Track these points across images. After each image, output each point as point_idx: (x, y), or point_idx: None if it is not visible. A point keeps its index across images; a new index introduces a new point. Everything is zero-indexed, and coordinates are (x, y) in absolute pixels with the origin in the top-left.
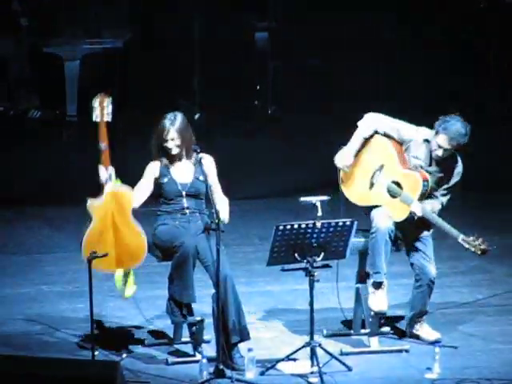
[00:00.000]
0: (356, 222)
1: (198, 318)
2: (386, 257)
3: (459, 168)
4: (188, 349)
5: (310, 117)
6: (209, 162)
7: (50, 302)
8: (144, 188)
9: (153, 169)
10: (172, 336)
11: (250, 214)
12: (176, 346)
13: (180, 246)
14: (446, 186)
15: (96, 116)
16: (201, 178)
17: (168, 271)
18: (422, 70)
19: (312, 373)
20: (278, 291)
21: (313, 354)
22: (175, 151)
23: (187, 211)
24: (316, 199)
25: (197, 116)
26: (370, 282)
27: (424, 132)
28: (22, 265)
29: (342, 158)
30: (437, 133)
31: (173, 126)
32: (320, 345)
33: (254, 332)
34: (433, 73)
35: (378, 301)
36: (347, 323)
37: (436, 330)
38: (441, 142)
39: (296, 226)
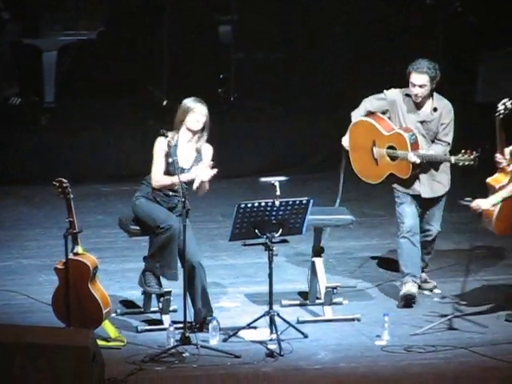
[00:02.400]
0: (312, 201)
1: (167, 290)
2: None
3: (446, 105)
4: (156, 317)
5: (269, 104)
6: (209, 152)
7: (29, 274)
8: (162, 169)
9: (163, 146)
10: (142, 306)
11: (213, 194)
12: (146, 315)
13: (168, 228)
14: (444, 126)
15: None
16: (199, 165)
17: (138, 247)
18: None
19: (271, 340)
20: (240, 264)
21: (272, 323)
22: (197, 127)
23: (170, 193)
24: (275, 179)
25: (165, 102)
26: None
27: (396, 90)
28: (3, 240)
29: (343, 140)
30: (409, 74)
31: (202, 105)
32: (278, 314)
33: (219, 302)
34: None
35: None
36: (303, 294)
37: (387, 301)
38: (413, 79)
39: (256, 204)
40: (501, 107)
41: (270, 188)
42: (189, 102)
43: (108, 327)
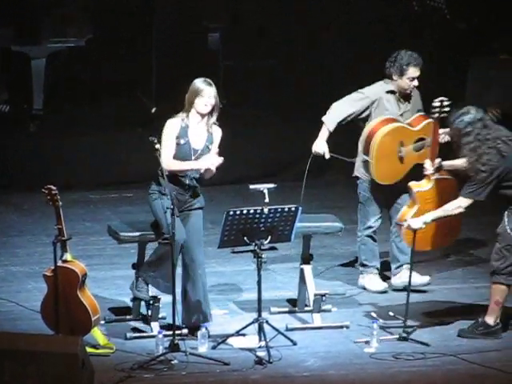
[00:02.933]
0: (300, 208)
1: (157, 297)
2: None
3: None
4: (146, 324)
5: (258, 111)
6: (218, 135)
7: (18, 281)
8: (172, 152)
9: (174, 128)
10: (132, 313)
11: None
12: (134, 323)
13: (171, 238)
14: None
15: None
16: (210, 146)
17: (127, 254)
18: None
19: (260, 347)
20: (229, 272)
21: (260, 330)
22: (205, 110)
23: (187, 181)
24: (264, 187)
25: (153, 110)
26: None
27: (376, 88)
28: None
29: (316, 146)
30: (402, 72)
31: (211, 87)
32: (267, 321)
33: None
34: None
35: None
36: (292, 301)
37: (376, 308)
38: (414, 73)
39: (245, 212)
40: (437, 104)
41: (259, 195)
42: (198, 83)
43: (97, 334)
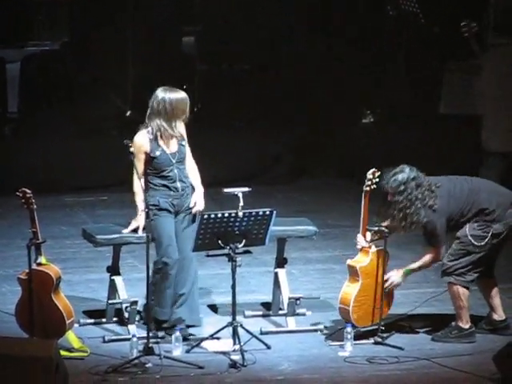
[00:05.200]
0: (275, 212)
1: (133, 299)
2: None
3: None
4: (121, 328)
5: (233, 116)
6: (183, 127)
7: None
8: (140, 171)
9: (142, 145)
10: (106, 316)
11: None
12: (109, 326)
13: (161, 268)
14: None
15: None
16: (183, 142)
17: (102, 257)
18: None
19: (234, 350)
20: (204, 275)
21: (235, 333)
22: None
23: (179, 185)
24: (238, 190)
25: (128, 113)
26: None
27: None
28: None
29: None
30: None
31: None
32: (241, 325)
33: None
34: (343, 73)
35: None
36: (266, 305)
37: None
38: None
39: (220, 215)
40: (370, 176)
41: (234, 199)
42: (162, 92)
43: (71, 338)
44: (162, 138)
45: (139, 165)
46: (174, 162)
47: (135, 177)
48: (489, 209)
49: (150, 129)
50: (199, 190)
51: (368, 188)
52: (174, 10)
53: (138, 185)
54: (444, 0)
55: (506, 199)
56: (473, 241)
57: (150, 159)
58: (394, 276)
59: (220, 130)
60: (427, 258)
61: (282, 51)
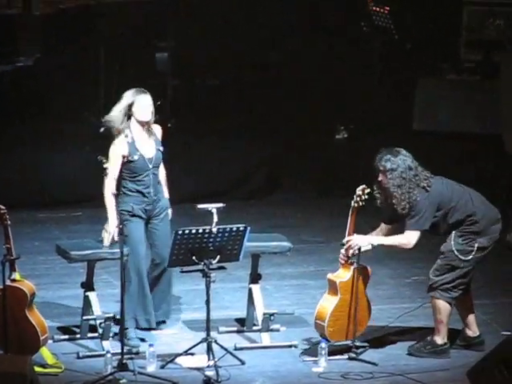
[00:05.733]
0: (249, 228)
1: (108, 315)
2: None
3: None
4: (95, 344)
5: (206, 130)
6: (160, 131)
7: None
8: (118, 174)
9: (120, 149)
10: (80, 332)
11: None
12: (83, 342)
13: (130, 281)
14: None
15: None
16: (161, 148)
17: (76, 273)
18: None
19: (208, 366)
20: (178, 291)
21: (209, 349)
22: (147, 117)
23: (152, 190)
24: (212, 206)
25: (102, 129)
26: None
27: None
28: None
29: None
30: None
31: (148, 95)
32: (216, 340)
33: (155, 329)
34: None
35: None
36: (240, 321)
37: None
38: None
39: (194, 231)
40: (359, 193)
41: (208, 215)
42: (130, 94)
43: (45, 354)
44: (140, 143)
45: (114, 169)
46: (150, 167)
47: (107, 186)
48: (473, 218)
49: (127, 133)
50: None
51: (356, 204)
52: (146, 25)
53: (110, 194)
54: (417, 16)
55: (492, 214)
56: (459, 255)
57: (126, 163)
58: (359, 238)
59: (193, 145)
60: (401, 238)
61: (256, 64)
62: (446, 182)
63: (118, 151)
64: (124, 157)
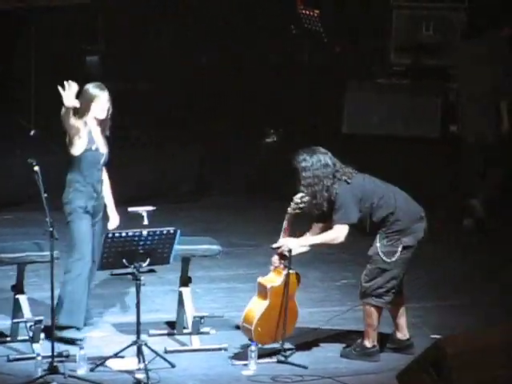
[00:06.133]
0: (179, 231)
1: (38, 318)
2: None
3: None
4: (26, 346)
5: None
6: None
7: None
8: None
9: (81, 130)
10: (10, 335)
11: None
12: (14, 344)
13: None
14: None
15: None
16: (107, 152)
17: (5, 276)
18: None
19: (139, 369)
20: (108, 294)
21: (139, 352)
22: (104, 115)
23: (99, 187)
24: (142, 209)
25: (32, 132)
26: None
27: None
28: None
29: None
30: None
31: (106, 91)
32: (146, 343)
33: (86, 332)
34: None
35: None
36: (170, 324)
37: None
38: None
39: (124, 234)
40: (298, 200)
41: (138, 218)
42: (93, 89)
43: None
44: (95, 136)
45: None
46: (101, 162)
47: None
48: (395, 216)
49: (86, 121)
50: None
51: (292, 211)
52: (76, 29)
53: None
54: (346, 20)
55: (415, 212)
56: (384, 258)
57: (84, 152)
58: (290, 241)
59: (124, 147)
60: (330, 233)
61: (186, 69)
62: (368, 178)
63: (78, 130)
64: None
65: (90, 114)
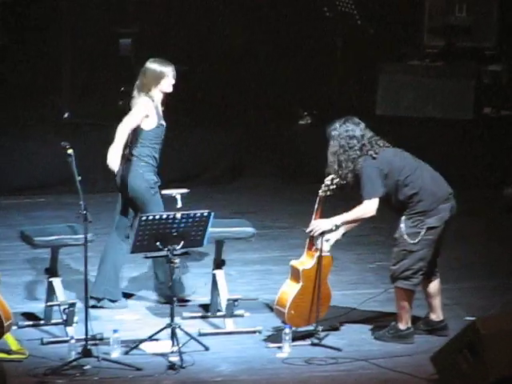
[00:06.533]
0: (212, 213)
1: (72, 301)
2: None
3: None
4: (59, 330)
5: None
6: None
7: None
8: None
9: (148, 107)
10: (44, 318)
11: (114, 205)
12: (47, 328)
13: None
14: None
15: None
16: None
17: (40, 259)
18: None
19: (172, 352)
20: (142, 277)
21: (173, 335)
22: (171, 89)
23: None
24: (176, 192)
25: (66, 115)
26: None
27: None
28: None
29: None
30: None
31: (172, 66)
32: (180, 326)
33: (120, 314)
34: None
35: None
36: (205, 306)
37: None
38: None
39: (158, 217)
40: (328, 182)
41: (172, 200)
42: (160, 65)
43: (10, 340)
44: (160, 111)
45: (133, 122)
46: (163, 137)
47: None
48: (419, 196)
49: (151, 98)
50: None
51: (323, 194)
52: (109, 11)
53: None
54: (379, 2)
55: (441, 192)
56: (408, 239)
57: (155, 128)
58: (322, 222)
59: None
60: (360, 209)
61: (219, 51)
62: (400, 154)
63: (144, 108)
64: (147, 116)
65: (156, 90)
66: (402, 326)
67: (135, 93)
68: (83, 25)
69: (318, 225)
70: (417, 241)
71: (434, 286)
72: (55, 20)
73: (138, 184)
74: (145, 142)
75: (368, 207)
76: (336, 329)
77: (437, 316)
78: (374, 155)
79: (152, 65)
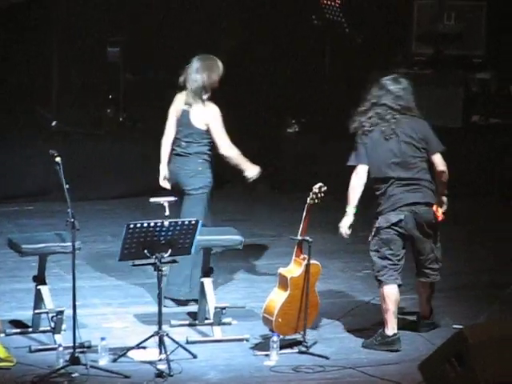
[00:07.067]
0: (200, 221)
1: (60, 309)
2: None
3: None
4: (47, 337)
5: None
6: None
7: None
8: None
9: (180, 101)
10: (32, 326)
11: (103, 213)
12: (35, 335)
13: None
14: None
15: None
16: None
17: (27, 267)
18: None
19: (160, 360)
20: (129, 285)
21: (161, 343)
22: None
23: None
24: (164, 200)
25: (54, 123)
26: None
27: None
28: None
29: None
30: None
31: None
32: (167, 334)
33: (108, 323)
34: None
35: None
36: (192, 314)
37: None
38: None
39: (145, 225)
40: (316, 190)
41: (160, 208)
42: (217, 62)
43: None
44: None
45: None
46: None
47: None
48: (380, 190)
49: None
50: None
51: (312, 201)
52: (99, 20)
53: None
54: (367, 10)
55: (401, 199)
56: (369, 239)
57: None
58: (343, 223)
59: (145, 138)
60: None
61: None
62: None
63: (178, 102)
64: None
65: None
66: (388, 332)
67: (196, 91)
68: (72, 32)
69: (343, 227)
70: (370, 239)
71: (424, 287)
72: (45, 27)
73: (193, 182)
74: (202, 139)
75: (359, 172)
76: (323, 337)
77: (423, 315)
78: (360, 132)
79: (218, 62)
